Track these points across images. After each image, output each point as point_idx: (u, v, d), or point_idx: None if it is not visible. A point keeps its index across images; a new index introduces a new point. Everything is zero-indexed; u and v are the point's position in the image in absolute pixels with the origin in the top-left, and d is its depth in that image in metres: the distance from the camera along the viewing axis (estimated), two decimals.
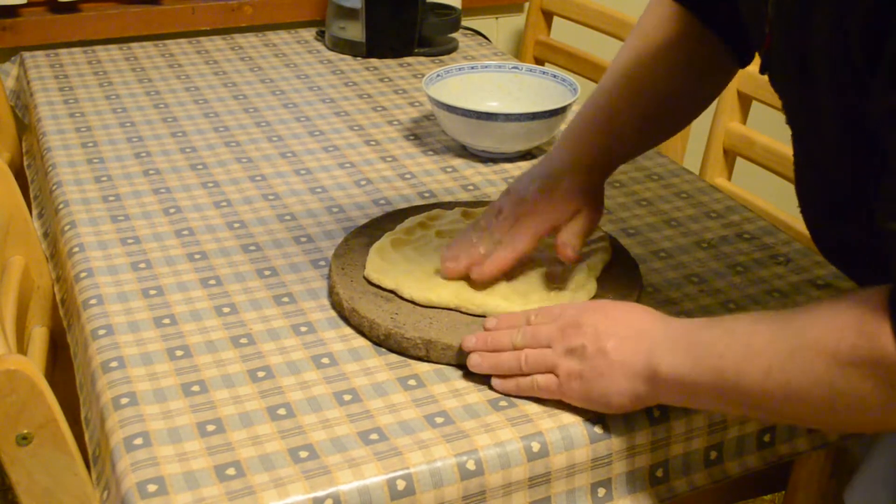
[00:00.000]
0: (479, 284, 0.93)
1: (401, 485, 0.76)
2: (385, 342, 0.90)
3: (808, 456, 0.94)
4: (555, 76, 1.35)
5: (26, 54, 1.58)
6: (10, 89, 1.57)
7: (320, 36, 1.71)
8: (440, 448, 0.78)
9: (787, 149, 1.37)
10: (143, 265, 1.02)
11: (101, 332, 0.92)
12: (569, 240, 0.93)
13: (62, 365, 1.16)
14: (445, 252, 0.95)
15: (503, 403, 0.84)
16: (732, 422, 0.87)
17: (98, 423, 0.84)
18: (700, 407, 0.83)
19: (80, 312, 0.96)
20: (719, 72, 1.03)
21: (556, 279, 0.96)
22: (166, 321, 0.93)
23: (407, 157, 1.28)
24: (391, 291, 0.95)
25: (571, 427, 0.81)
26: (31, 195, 1.34)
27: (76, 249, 1.05)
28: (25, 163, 1.45)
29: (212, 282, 0.99)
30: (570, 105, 1.27)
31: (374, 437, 0.79)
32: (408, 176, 1.23)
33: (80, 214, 1.11)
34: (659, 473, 0.85)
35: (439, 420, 0.81)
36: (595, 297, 0.95)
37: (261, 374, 0.86)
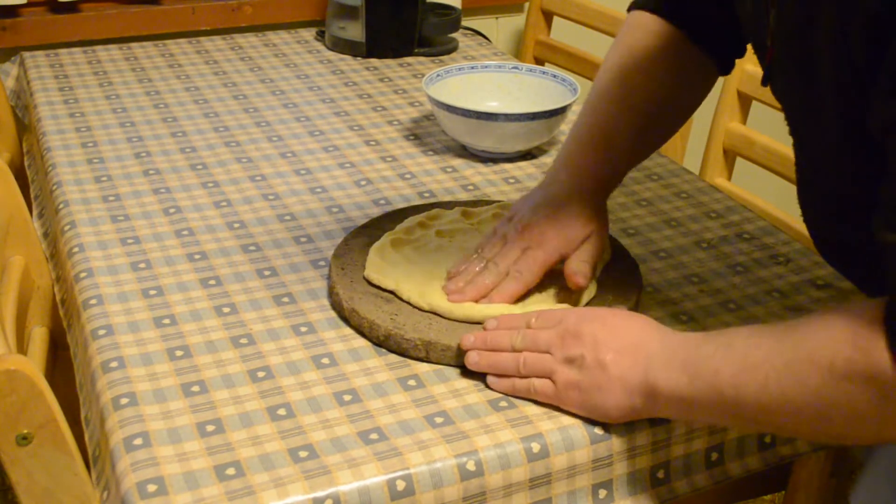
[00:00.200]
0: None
1: (401, 485, 0.76)
2: (385, 343, 0.90)
3: (809, 456, 0.94)
4: (555, 76, 1.35)
5: (26, 54, 1.58)
6: (10, 89, 1.57)
7: (320, 36, 1.71)
8: (440, 448, 0.78)
9: (787, 149, 1.37)
10: (143, 265, 1.02)
11: (101, 332, 0.92)
12: (579, 268, 0.92)
13: (62, 365, 1.16)
14: (450, 284, 0.93)
15: (503, 404, 0.84)
16: None
17: (98, 424, 0.84)
18: (699, 420, 0.83)
19: (80, 312, 0.96)
20: (702, 81, 1.04)
21: (555, 279, 0.96)
22: (166, 321, 0.93)
23: (407, 157, 1.28)
24: (391, 292, 0.95)
25: (571, 428, 0.81)
26: (31, 195, 1.34)
27: (76, 249, 1.05)
28: (25, 163, 1.45)
29: (212, 282, 0.99)
30: (570, 105, 1.27)
31: (373, 437, 0.79)
32: (408, 176, 1.23)
33: (80, 214, 1.11)
34: (660, 474, 0.85)
35: (439, 420, 0.81)
36: (595, 297, 0.95)
37: (261, 374, 0.86)
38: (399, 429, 0.80)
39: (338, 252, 1.01)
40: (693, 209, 1.16)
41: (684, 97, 1.03)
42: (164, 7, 1.73)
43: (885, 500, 0.90)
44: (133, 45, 1.64)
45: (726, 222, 1.13)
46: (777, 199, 1.44)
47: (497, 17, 2.02)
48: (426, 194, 1.18)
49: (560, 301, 0.93)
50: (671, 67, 0.99)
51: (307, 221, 1.11)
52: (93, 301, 0.96)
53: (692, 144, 1.63)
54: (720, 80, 1.47)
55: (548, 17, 1.90)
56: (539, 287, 0.94)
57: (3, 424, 0.74)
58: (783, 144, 1.37)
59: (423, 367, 0.88)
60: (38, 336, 1.16)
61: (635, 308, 0.95)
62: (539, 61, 1.89)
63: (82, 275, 1.00)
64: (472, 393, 0.85)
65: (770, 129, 1.46)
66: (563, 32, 1.89)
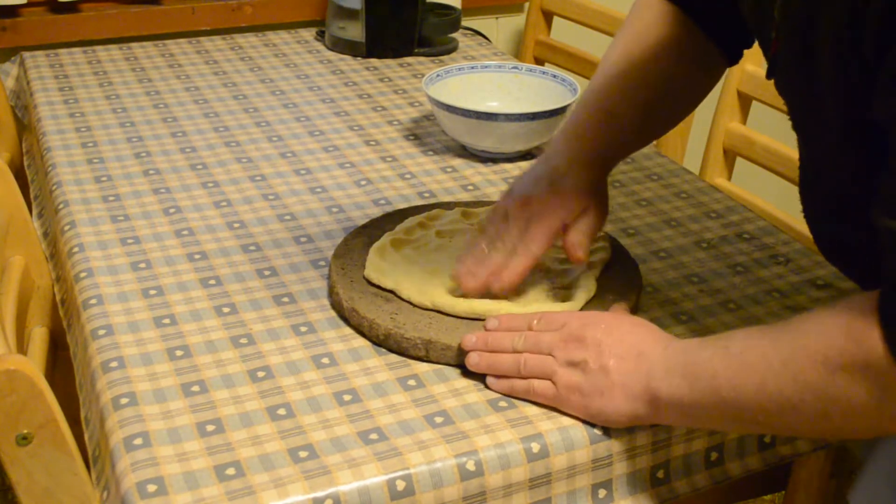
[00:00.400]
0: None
1: (400, 485, 0.76)
2: (385, 342, 0.90)
3: (808, 456, 0.94)
4: (555, 76, 1.35)
5: (26, 54, 1.58)
6: (10, 89, 1.57)
7: (320, 36, 1.71)
8: (440, 449, 0.78)
9: (787, 149, 1.37)
10: (143, 265, 1.02)
11: (101, 332, 0.92)
12: (578, 240, 0.92)
13: (62, 365, 1.16)
14: (459, 267, 0.92)
15: (503, 404, 0.84)
16: None
17: (98, 423, 0.84)
18: (701, 426, 0.83)
19: (79, 312, 0.96)
20: (710, 70, 1.03)
21: (555, 279, 0.96)
22: (166, 321, 0.93)
23: (407, 157, 1.28)
24: (391, 291, 0.95)
25: (571, 428, 0.81)
26: (31, 195, 1.34)
27: (76, 249, 1.05)
28: (25, 163, 1.45)
29: (212, 282, 0.99)
30: (570, 105, 1.27)
31: (373, 437, 0.79)
32: (408, 176, 1.23)
33: (80, 214, 1.11)
34: (660, 474, 0.85)
35: (439, 420, 0.81)
36: (595, 296, 0.95)
37: (261, 374, 0.86)
38: (399, 429, 0.80)
39: (338, 252, 1.01)
40: (693, 209, 1.16)
41: (690, 85, 1.02)
42: (164, 7, 1.73)
43: (885, 501, 0.90)
44: (133, 45, 1.64)
45: (726, 222, 1.13)
46: (777, 199, 1.44)
47: (497, 17, 2.02)
48: (426, 194, 1.18)
49: (561, 300, 0.93)
50: (678, 54, 0.98)
51: (307, 221, 1.11)
52: (93, 301, 0.96)
53: (692, 144, 1.63)
54: (720, 80, 1.48)
55: (548, 17, 1.90)
56: (539, 285, 0.94)
57: (3, 424, 0.74)
58: (783, 144, 1.37)
59: (422, 367, 0.88)
60: (38, 336, 1.16)
61: (635, 308, 0.95)
62: (539, 61, 1.89)
63: (82, 275, 1.00)
64: (472, 393, 0.85)
65: (770, 129, 1.46)
66: (563, 32, 1.89)
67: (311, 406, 0.83)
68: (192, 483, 0.74)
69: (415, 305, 0.92)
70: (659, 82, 0.99)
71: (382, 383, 0.86)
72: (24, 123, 1.51)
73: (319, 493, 0.74)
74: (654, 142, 1.61)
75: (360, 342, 0.91)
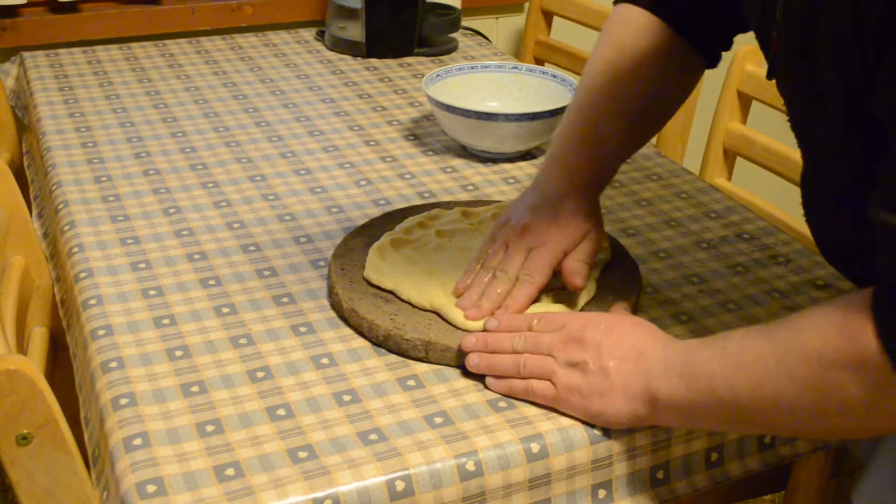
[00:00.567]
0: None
1: (400, 486, 0.76)
2: (384, 343, 0.90)
3: (808, 457, 0.94)
4: (555, 76, 1.35)
5: (26, 54, 1.58)
6: (10, 89, 1.57)
7: (320, 36, 1.71)
8: (440, 449, 0.78)
9: (787, 149, 1.37)
10: (142, 265, 1.02)
11: (101, 332, 0.92)
12: (577, 268, 0.92)
13: (62, 365, 1.16)
14: (464, 300, 0.92)
15: (502, 404, 0.84)
16: None
17: (97, 424, 0.84)
18: (701, 427, 0.83)
19: (79, 312, 0.96)
20: (689, 75, 1.04)
21: (555, 279, 0.96)
22: (166, 321, 0.93)
23: (407, 157, 1.28)
24: (390, 292, 0.95)
25: (571, 429, 0.81)
26: (31, 195, 1.34)
27: (76, 249, 1.05)
28: (25, 163, 1.45)
29: (211, 282, 0.99)
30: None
31: (373, 437, 0.79)
32: (407, 176, 1.23)
33: (79, 214, 1.11)
34: (660, 475, 0.85)
35: (439, 420, 0.81)
36: (595, 297, 0.95)
37: (260, 374, 0.86)
38: (398, 429, 0.80)
39: (337, 252, 1.01)
40: (693, 209, 1.16)
41: (672, 92, 1.03)
42: (164, 7, 1.73)
43: (889, 501, 0.90)
44: (133, 45, 1.64)
45: (726, 222, 1.13)
46: (777, 199, 1.44)
47: (497, 17, 2.02)
48: (426, 194, 1.18)
49: (559, 301, 0.93)
50: (659, 63, 0.99)
51: (307, 221, 1.11)
52: (92, 301, 0.96)
53: (692, 144, 1.63)
54: (720, 80, 1.48)
55: (548, 17, 1.90)
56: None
57: (3, 424, 0.74)
58: (783, 144, 1.37)
59: (422, 368, 0.88)
60: (38, 336, 1.16)
61: (635, 308, 0.95)
62: (539, 61, 1.89)
63: (82, 275, 1.00)
64: (472, 393, 0.85)
65: (770, 129, 1.46)
66: (563, 32, 1.89)
67: (310, 406, 0.83)
68: (191, 483, 0.74)
69: (414, 306, 0.92)
70: (642, 93, 1.00)
71: (382, 384, 0.86)
72: (24, 123, 1.51)
73: (319, 494, 0.74)
74: (654, 142, 1.61)
75: (360, 343, 0.91)
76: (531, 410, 0.83)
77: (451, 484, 0.77)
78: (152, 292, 0.97)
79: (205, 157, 1.26)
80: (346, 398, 0.84)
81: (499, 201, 1.11)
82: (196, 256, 1.04)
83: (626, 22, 1.01)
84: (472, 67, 1.38)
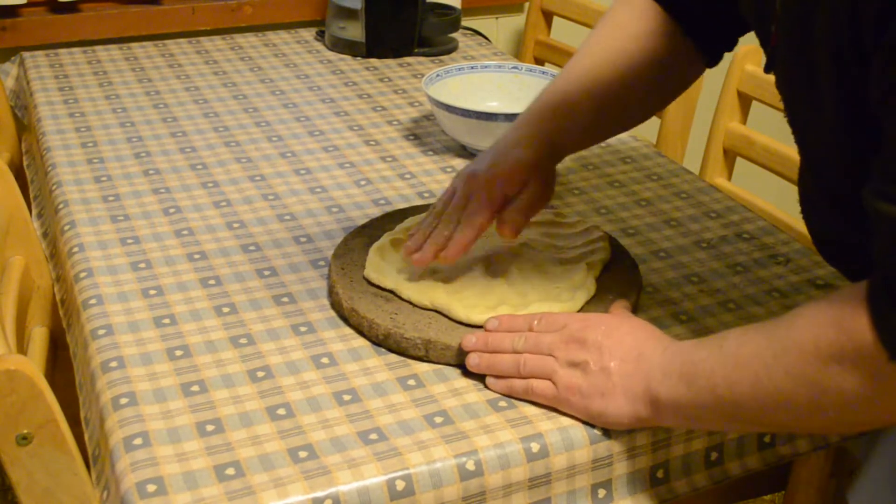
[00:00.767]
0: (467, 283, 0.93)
1: (400, 485, 0.76)
2: (384, 342, 0.90)
3: (808, 456, 0.94)
4: (554, 76, 1.35)
5: (26, 54, 1.58)
6: (9, 89, 1.57)
7: (320, 36, 1.71)
8: (440, 449, 0.78)
9: (787, 149, 1.37)
10: (142, 265, 1.02)
11: (101, 332, 0.92)
12: (510, 217, 0.93)
13: (62, 365, 1.16)
14: (409, 243, 0.94)
15: (503, 404, 0.84)
16: None
17: (98, 423, 0.84)
18: (702, 427, 0.83)
19: (79, 312, 0.96)
20: (685, 72, 1.04)
21: (555, 279, 0.96)
22: (166, 321, 0.93)
23: (407, 157, 1.28)
24: (390, 291, 0.95)
25: (571, 428, 0.81)
26: (31, 195, 1.34)
27: (76, 249, 1.05)
28: (25, 163, 1.45)
29: (211, 282, 0.99)
30: None
31: (373, 437, 0.79)
32: (408, 176, 1.23)
33: (79, 214, 1.11)
34: (659, 474, 0.85)
35: (439, 420, 0.81)
36: (595, 296, 0.95)
37: (260, 374, 0.86)
38: (399, 429, 0.80)
39: (338, 252, 1.01)
40: (693, 209, 1.16)
41: (660, 84, 1.03)
42: (164, 7, 1.73)
43: (885, 501, 0.90)
44: (133, 45, 1.64)
45: (726, 222, 1.13)
46: (777, 199, 1.44)
47: (497, 17, 2.02)
48: (426, 194, 1.18)
49: (560, 301, 0.93)
50: (653, 52, 0.99)
51: (307, 221, 1.11)
52: (92, 301, 0.96)
53: (692, 144, 1.63)
54: (720, 80, 1.48)
55: (548, 17, 1.90)
56: (538, 284, 0.94)
57: (3, 424, 0.74)
58: (783, 144, 1.37)
59: (422, 367, 0.88)
60: (38, 336, 1.16)
61: (635, 308, 0.95)
62: (539, 61, 1.89)
63: (82, 275, 1.00)
64: (472, 393, 0.85)
65: (770, 129, 1.46)
66: (563, 32, 1.89)
67: (310, 406, 0.83)
68: (191, 483, 0.74)
69: (415, 305, 0.92)
70: (627, 77, 0.99)
71: (382, 383, 0.86)
72: (24, 123, 1.52)
73: (319, 494, 0.74)
74: (654, 142, 1.61)
75: (360, 342, 0.91)
76: (531, 410, 0.83)
77: (451, 483, 0.77)
78: (152, 292, 0.97)
79: (205, 157, 1.26)
80: (347, 398, 0.84)
81: None
82: (196, 256, 1.04)
83: (631, 6, 1.01)
84: (472, 67, 1.38)
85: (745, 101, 1.48)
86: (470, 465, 0.78)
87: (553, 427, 0.81)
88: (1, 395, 0.73)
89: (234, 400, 0.83)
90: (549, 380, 0.82)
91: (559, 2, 1.85)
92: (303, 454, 0.77)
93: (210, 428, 0.80)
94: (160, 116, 1.37)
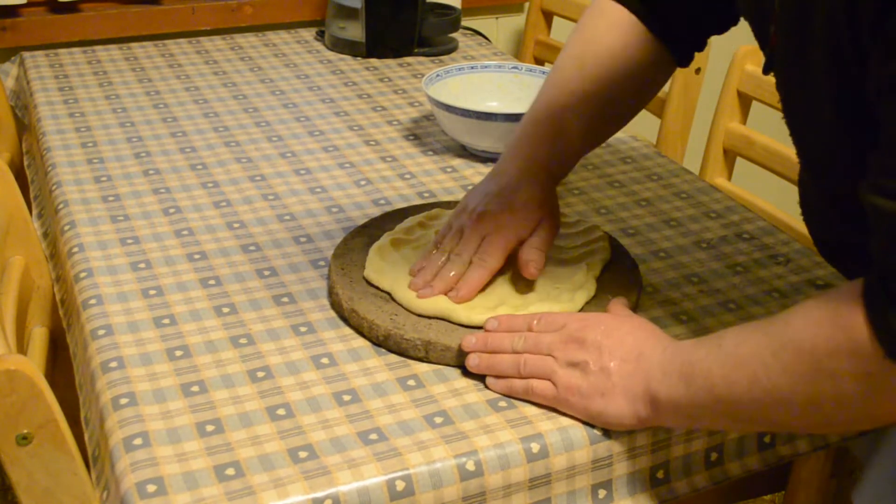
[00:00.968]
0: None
1: (400, 485, 0.76)
2: (384, 343, 0.90)
3: (808, 456, 0.94)
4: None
5: (26, 54, 1.58)
6: (10, 89, 1.57)
7: (320, 36, 1.71)
8: (440, 449, 0.78)
9: (787, 149, 1.37)
10: (142, 265, 1.02)
11: (101, 332, 0.92)
12: (531, 256, 0.93)
13: (62, 365, 1.16)
14: (416, 280, 0.94)
15: (503, 404, 0.84)
16: None
17: (97, 424, 0.84)
18: (702, 427, 0.83)
19: (79, 312, 0.96)
20: (658, 75, 1.05)
21: (555, 279, 0.96)
22: (166, 321, 0.93)
23: (407, 157, 1.28)
24: (390, 293, 0.94)
25: (571, 429, 0.81)
26: (31, 195, 1.34)
27: (76, 249, 1.05)
28: (25, 163, 1.45)
29: (211, 282, 0.99)
30: None
31: (373, 437, 0.79)
32: (407, 176, 1.23)
33: (79, 214, 1.11)
34: (660, 474, 0.85)
35: (439, 420, 0.81)
36: (595, 296, 0.95)
37: (260, 374, 0.86)
38: (398, 429, 0.80)
39: (337, 252, 1.01)
40: (693, 209, 1.16)
41: (639, 90, 1.04)
42: (164, 7, 1.73)
43: (889, 501, 0.90)
44: (133, 45, 1.64)
45: (726, 222, 1.13)
46: (777, 199, 1.44)
47: (497, 17, 2.02)
48: (426, 194, 1.18)
49: (560, 301, 0.93)
50: (629, 61, 1.00)
51: (307, 221, 1.11)
52: (92, 301, 0.96)
53: (692, 144, 1.63)
54: (720, 80, 1.48)
55: (548, 17, 1.90)
56: (538, 285, 0.94)
57: (3, 424, 0.74)
58: (783, 144, 1.37)
59: (422, 367, 0.88)
60: (38, 336, 1.16)
61: (635, 308, 0.95)
62: (539, 61, 1.89)
63: (82, 275, 1.00)
64: (472, 393, 0.85)
65: (770, 129, 1.46)
66: (563, 32, 1.88)
67: (310, 406, 0.83)
68: (191, 483, 0.74)
69: (416, 314, 0.92)
70: (608, 89, 1.00)
71: (382, 383, 0.86)
72: (24, 123, 1.52)
73: (319, 494, 0.74)
74: (654, 142, 1.61)
75: (360, 342, 0.91)
76: (531, 410, 0.83)
77: (451, 484, 0.77)
78: (152, 292, 0.97)
79: (205, 157, 1.26)
80: (346, 398, 0.84)
81: None
82: (196, 256, 1.04)
83: (601, 16, 1.02)
84: (472, 67, 1.38)
85: (745, 101, 1.48)
86: (470, 466, 0.77)
87: (553, 427, 0.81)
88: (1, 395, 0.73)
89: (234, 400, 0.83)
90: (549, 380, 0.82)
91: (559, 2, 1.85)
92: (303, 454, 0.77)
93: (210, 428, 0.80)
94: (160, 116, 1.37)
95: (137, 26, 1.72)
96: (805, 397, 0.70)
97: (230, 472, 0.76)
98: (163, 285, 0.99)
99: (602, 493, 0.83)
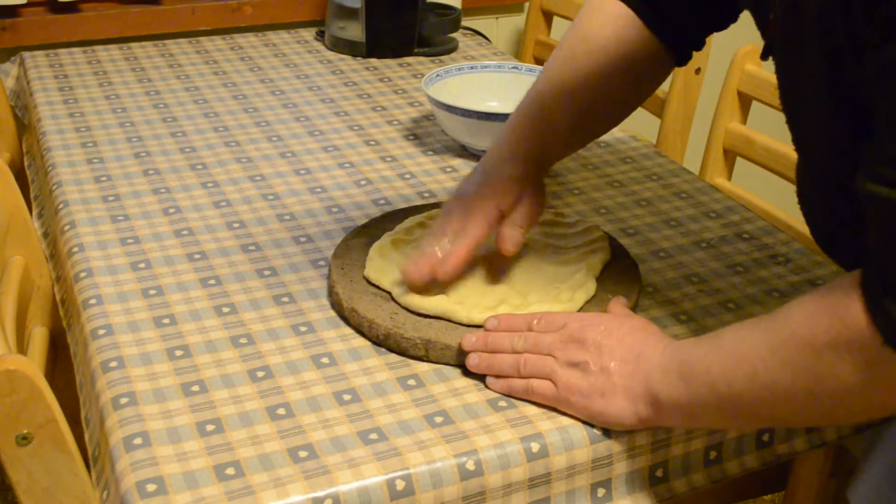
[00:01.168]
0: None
1: (400, 485, 0.76)
2: (384, 342, 0.90)
3: (808, 456, 0.94)
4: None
5: (26, 54, 1.58)
6: (10, 89, 1.57)
7: (320, 36, 1.71)
8: (440, 448, 0.78)
9: (787, 149, 1.37)
10: (142, 265, 1.02)
11: (101, 331, 0.92)
12: (510, 232, 0.93)
13: (62, 365, 1.16)
14: (406, 265, 0.94)
15: (502, 404, 0.84)
16: None
17: (98, 423, 0.84)
18: (702, 425, 0.83)
19: (79, 312, 0.96)
20: (654, 72, 1.04)
21: (555, 279, 0.96)
22: (166, 321, 0.93)
23: (407, 157, 1.28)
24: (390, 292, 0.94)
25: (571, 428, 0.81)
26: (31, 195, 1.34)
27: (76, 249, 1.05)
28: (25, 163, 1.45)
29: (211, 282, 0.99)
30: None
31: (373, 436, 0.79)
32: (407, 176, 1.23)
33: (79, 214, 1.11)
34: (658, 473, 0.85)
35: (439, 420, 0.81)
36: (595, 296, 0.95)
37: (260, 373, 0.86)
38: (399, 428, 0.80)
39: (337, 252, 1.01)
40: (693, 209, 1.16)
41: (633, 88, 1.04)
42: (164, 7, 1.73)
43: (885, 498, 0.90)
44: (133, 45, 1.64)
45: (726, 222, 1.13)
46: (777, 199, 1.44)
47: (497, 17, 2.02)
48: (426, 194, 1.18)
49: (560, 300, 0.93)
50: (625, 59, 0.99)
51: (307, 221, 1.11)
52: (92, 301, 0.96)
53: (692, 144, 1.63)
54: (720, 80, 1.48)
55: (548, 17, 1.90)
56: (538, 285, 0.94)
57: (3, 424, 0.74)
58: (783, 144, 1.37)
59: (422, 367, 0.88)
60: (38, 336, 1.16)
61: (634, 307, 0.95)
62: (539, 61, 1.89)
63: (82, 275, 1.00)
64: (472, 392, 0.85)
65: (770, 129, 1.46)
66: (563, 32, 1.88)
67: (310, 406, 0.83)
68: (191, 483, 0.74)
69: (416, 314, 0.92)
70: (599, 86, 1.00)
71: (382, 383, 0.86)
72: (24, 123, 1.52)
73: (319, 493, 0.74)
74: (654, 142, 1.61)
75: (360, 342, 0.91)
76: (531, 410, 0.83)
77: (451, 483, 0.77)
78: (152, 292, 0.97)
79: (205, 156, 1.26)
80: (347, 397, 0.84)
81: None
82: (196, 256, 1.04)
83: (597, 11, 1.01)
84: (472, 67, 1.38)
85: (745, 101, 1.48)
86: (470, 465, 0.78)
87: (553, 427, 0.81)
88: (1, 395, 0.73)
89: (234, 400, 0.83)
90: (549, 379, 0.83)
91: (559, 2, 1.85)
92: (303, 454, 0.77)
93: (210, 428, 0.80)
94: (160, 116, 1.37)
95: (137, 26, 1.72)
96: (804, 390, 0.71)
97: (230, 471, 0.76)
98: (163, 285, 0.99)
99: (601, 492, 0.83)
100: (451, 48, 1.65)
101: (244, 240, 1.07)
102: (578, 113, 1.00)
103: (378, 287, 0.95)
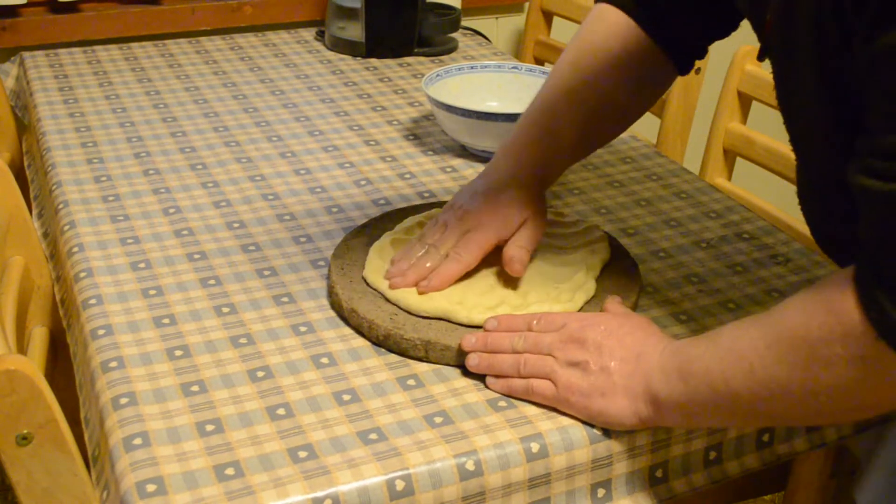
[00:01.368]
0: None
1: (400, 485, 0.76)
2: (384, 342, 0.90)
3: (808, 456, 0.94)
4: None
5: (26, 54, 1.58)
6: (10, 89, 1.57)
7: (320, 36, 1.71)
8: (439, 449, 0.78)
9: (787, 149, 1.36)
10: (142, 265, 1.02)
11: (101, 331, 0.92)
12: (516, 254, 0.93)
13: (62, 365, 1.16)
14: (392, 269, 0.95)
15: (502, 404, 0.84)
16: None
17: (97, 423, 0.84)
18: (702, 425, 0.84)
19: (79, 312, 0.96)
20: (659, 82, 1.05)
21: (555, 279, 0.96)
22: (166, 321, 0.93)
23: (406, 157, 1.28)
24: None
25: (571, 428, 0.81)
26: (31, 195, 1.34)
27: (76, 249, 1.05)
28: (25, 163, 1.45)
29: (211, 282, 0.99)
30: None
31: (373, 437, 0.79)
32: (407, 176, 1.23)
33: (79, 214, 1.11)
34: (658, 474, 0.85)
35: (438, 420, 0.81)
36: (594, 296, 0.95)
37: (260, 373, 0.86)
38: (398, 429, 0.80)
39: (337, 252, 1.01)
40: (693, 209, 1.16)
41: (636, 98, 1.04)
42: (164, 7, 1.73)
43: (892, 498, 0.90)
44: (133, 45, 1.64)
45: (726, 222, 1.13)
46: (777, 199, 1.44)
47: (497, 17, 2.02)
48: (426, 194, 1.18)
49: (560, 301, 0.93)
50: (628, 69, 1.00)
51: (307, 221, 1.11)
52: (92, 301, 0.96)
53: (692, 144, 1.63)
54: (720, 80, 1.48)
55: (548, 17, 1.90)
56: (538, 285, 0.94)
57: (3, 424, 0.74)
58: (783, 144, 1.37)
59: (422, 367, 0.88)
60: (38, 336, 1.16)
61: (634, 307, 0.95)
62: (539, 61, 1.89)
63: (82, 275, 1.00)
64: (472, 393, 0.85)
65: (770, 129, 1.46)
66: (563, 32, 1.89)
67: (310, 406, 0.83)
68: (191, 483, 0.74)
69: (416, 315, 0.92)
70: (605, 97, 1.00)
71: (382, 383, 0.86)
72: (24, 123, 1.52)
73: (319, 493, 0.74)
74: (654, 142, 1.61)
75: (360, 342, 0.91)
76: (531, 410, 0.83)
77: (450, 483, 0.77)
78: (152, 292, 0.97)
79: (205, 156, 1.26)
80: (346, 398, 0.84)
81: None
82: (196, 256, 1.04)
83: (601, 21, 1.01)
84: (472, 67, 1.38)
85: (745, 101, 1.48)
86: (470, 465, 0.78)
87: (553, 427, 0.81)
88: (1, 395, 0.73)
89: (233, 400, 0.83)
90: (549, 379, 0.83)
91: (559, 2, 1.85)
92: (302, 454, 0.77)
93: (210, 428, 0.80)
94: (160, 116, 1.37)
95: (137, 26, 1.72)
96: (801, 386, 0.71)
97: (230, 471, 0.76)
98: (163, 285, 0.99)
99: (601, 492, 0.83)
100: (451, 48, 1.65)
101: (244, 240, 1.07)
102: (583, 123, 1.00)
103: (376, 289, 0.95)
